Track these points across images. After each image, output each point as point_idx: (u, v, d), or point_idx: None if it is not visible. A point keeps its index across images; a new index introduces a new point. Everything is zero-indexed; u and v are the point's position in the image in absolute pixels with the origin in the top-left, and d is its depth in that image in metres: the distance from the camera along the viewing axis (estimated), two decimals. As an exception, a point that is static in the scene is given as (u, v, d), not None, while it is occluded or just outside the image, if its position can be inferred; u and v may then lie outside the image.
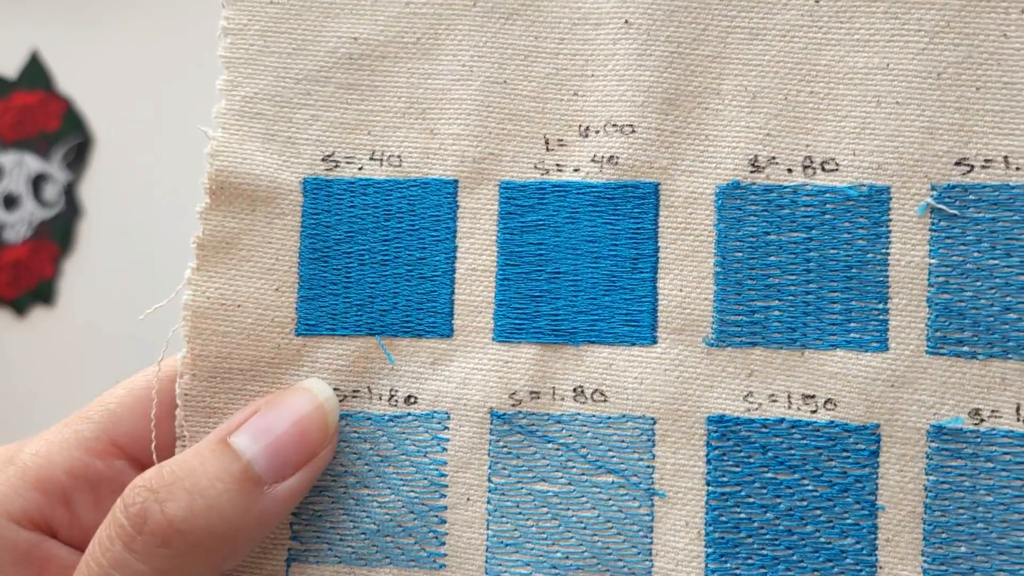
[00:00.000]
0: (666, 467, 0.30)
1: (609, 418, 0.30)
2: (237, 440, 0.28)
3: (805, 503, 0.29)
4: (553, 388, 0.30)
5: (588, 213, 0.30)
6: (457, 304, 0.31)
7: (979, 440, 0.29)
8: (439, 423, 0.30)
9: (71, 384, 1.38)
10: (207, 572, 0.27)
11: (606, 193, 0.30)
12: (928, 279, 0.29)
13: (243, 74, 0.31)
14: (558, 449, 0.30)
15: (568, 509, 0.30)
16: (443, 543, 0.30)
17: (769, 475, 0.30)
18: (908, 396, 0.29)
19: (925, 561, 0.29)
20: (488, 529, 0.30)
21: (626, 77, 0.30)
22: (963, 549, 0.29)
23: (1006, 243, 0.29)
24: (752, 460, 0.30)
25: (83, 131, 1.43)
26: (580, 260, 0.30)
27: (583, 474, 0.30)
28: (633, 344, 0.30)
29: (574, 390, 0.30)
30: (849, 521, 0.29)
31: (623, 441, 0.30)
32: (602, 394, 0.30)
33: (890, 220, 0.29)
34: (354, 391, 0.31)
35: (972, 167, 0.29)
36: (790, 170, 0.30)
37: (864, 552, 0.29)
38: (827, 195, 0.29)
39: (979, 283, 0.29)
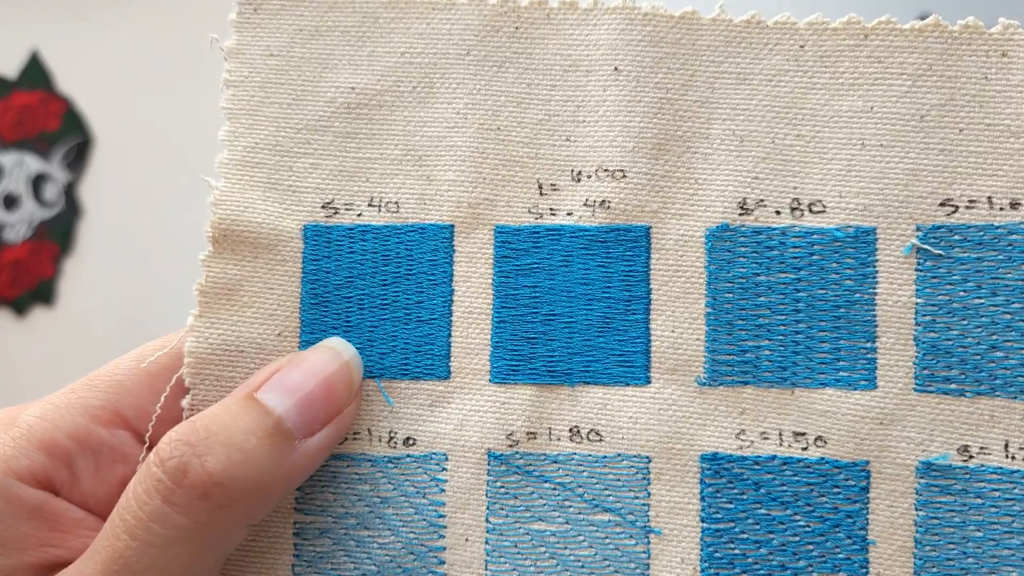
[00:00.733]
0: (661, 505, 0.30)
1: (605, 457, 0.31)
2: (266, 396, 0.29)
3: (797, 538, 0.30)
4: (549, 428, 0.31)
5: (581, 256, 0.31)
6: (454, 347, 0.31)
7: (968, 476, 0.29)
8: (437, 464, 0.31)
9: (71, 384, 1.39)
10: (241, 523, 0.28)
11: (599, 236, 0.31)
12: (915, 318, 0.30)
13: (244, 124, 0.32)
14: (555, 489, 0.31)
15: (565, 548, 0.31)
16: (443, 582, 0.31)
17: (762, 511, 0.30)
18: (897, 433, 0.29)
19: (917, 596, 0.29)
20: (486, 569, 0.31)
21: (616, 123, 0.31)
22: (954, 584, 0.29)
23: (991, 282, 0.29)
24: (745, 497, 0.30)
25: (83, 131, 1.44)
26: (574, 302, 0.31)
27: (580, 513, 0.31)
28: (627, 384, 0.31)
29: (570, 430, 0.31)
30: (841, 556, 0.30)
31: (619, 480, 0.31)
32: (598, 434, 0.31)
33: (877, 260, 0.30)
34: (354, 434, 0.31)
35: (956, 207, 0.30)
36: (778, 212, 0.30)
37: (856, 587, 0.29)
38: (815, 236, 0.30)
39: (965, 322, 0.29)
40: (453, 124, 0.32)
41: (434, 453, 0.31)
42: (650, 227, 0.31)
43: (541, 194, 0.31)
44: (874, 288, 0.30)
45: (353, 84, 0.32)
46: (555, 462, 0.31)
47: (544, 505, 0.31)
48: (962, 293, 0.29)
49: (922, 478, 0.29)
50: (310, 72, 0.32)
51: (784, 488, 0.30)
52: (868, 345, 0.30)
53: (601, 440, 0.31)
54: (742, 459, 0.30)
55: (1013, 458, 0.29)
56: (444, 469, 0.31)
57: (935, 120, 0.30)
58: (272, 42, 0.32)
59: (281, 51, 0.32)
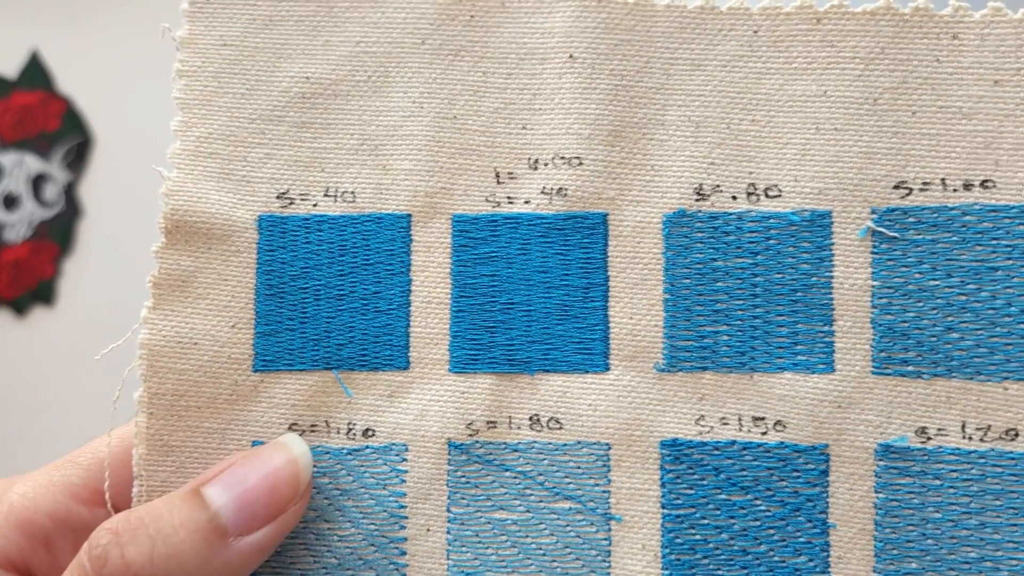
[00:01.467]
0: (622, 492, 0.30)
1: (565, 445, 0.31)
2: (209, 490, 0.28)
3: (758, 523, 0.30)
4: (509, 417, 0.31)
5: (539, 244, 0.31)
6: (413, 337, 0.31)
7: (926, 458, 0.29)
8: (397, 455, 0.31)
9: (71, 384, 1.38)
10: None
11: (556, 224, 0.31)
12: (871, 301, 0.30)
13: (197, 115, 0.31)
14: (515, 477, 0.31)
15: (527, 536, 0.30)
16: (404, 575, 0.30)
17: (722, 497, 0.30)
18: (855, 416, 0.30)
19: (877, 578, 0.29)
20: (448, 559, 0.30)
21: (572, 110, 0.31)
22: (913, 565, 0.29)
23: (946, 263, 0.29)
24: (705, 482, 0.30)
25: (83, 131, 1.43)
26: (533, 290, 0.31)
27: (541, 501, 0.30)
28: (586, 372, 0.31)
29: (530, 418, 0.31)
30: (802, 540, 0.30)
31: (579, 467, 0.30)
32: (557, 422, 0.31)
33: (833, 244, 0.30)
34: (312, 426, 0.31)
35: (911, 190, 0.30)
36: (734, 197, 0.30)
37: (817, 570, 0.29)
38: (771, 221, 0.30)
39: (921, 304, 0.29)
40: (409, 113, 0.31)
41: (394, 444, 0.31)
42: (607, 214, 0.31)
43: (498, 183, 0.31)
44: (830, 271, 0.30)
45: (308, 74, 0.32)
46: (515, 451, 0.31)
47: (505, 494, 0.31)
48: (917, 275, 0.30)
49: (881, 460, 0.29)
50: (264, 62, 0.32)
51: (744, 473, 0.30)
52: (825, 329, 0.30)
53: (561, 428, 0.31)
54: (702, 445, 0.30)
55: (970, 439, 0.29)
56: (404, 460, 0.31)
57: (888, 103, 0.30)
58: (225, 32, 0.32)
59: (234, 41, 0.32)
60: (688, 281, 0.30)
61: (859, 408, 0.30)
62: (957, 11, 0.30)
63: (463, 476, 0.31)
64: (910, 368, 0.29)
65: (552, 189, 0.31)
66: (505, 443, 0.31)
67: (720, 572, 0.30)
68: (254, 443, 0.31)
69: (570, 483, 0.30)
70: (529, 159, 0.31)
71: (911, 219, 0.30)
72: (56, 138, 1.43)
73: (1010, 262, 0.29)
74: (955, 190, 0.29)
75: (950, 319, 0.29)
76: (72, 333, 1.42)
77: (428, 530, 0.31)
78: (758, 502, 0.30)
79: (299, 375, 0.31)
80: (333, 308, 0.31)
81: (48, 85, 1.44)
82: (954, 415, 0.29)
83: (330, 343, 0.31)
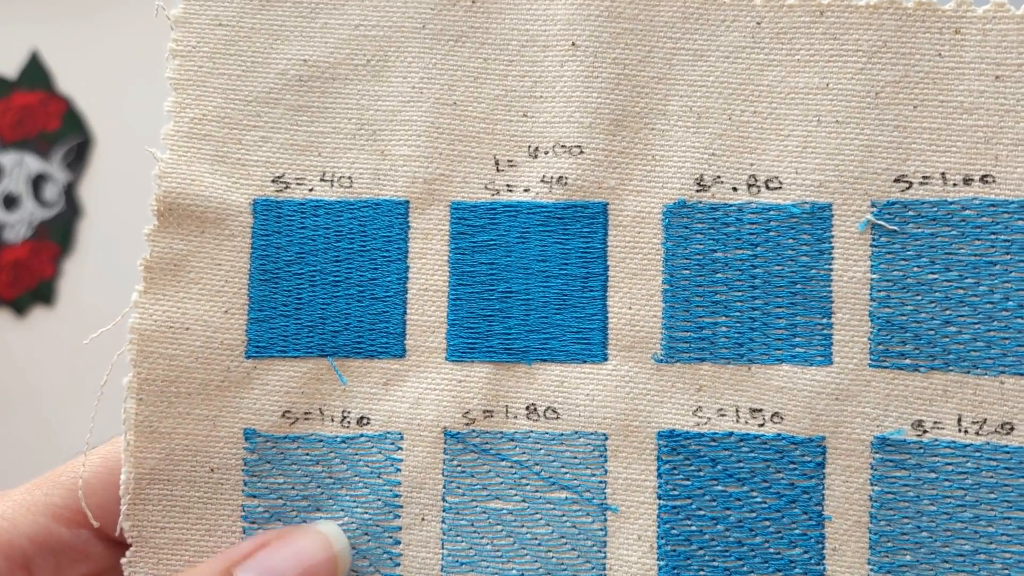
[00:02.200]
0: (618, 482, 0.30)
1: (562, 435, 0.30)
2: (243, 575, 0.27)
3: (754, 515, 0.30)
4: (506, 406, 0.30)
5: (538, 233, 0.31)
6: (409, 324, 0.31)
7: (922, 451, 0.29)
8: (392, 443, 0.30)
9: (71, 384, 1.36)
10: None
11: (556, 213, 0.31)
12: (870, 294, 0.30)
13: (191, 95, 0.31)
14: (512, 467, 0.30)
15: (522, 526, 0.30)
16: (398, 564, 0.30)
17: (719, 488, 0.30)
18: (852, 409, 0.30)
19: (871, 570, 0.29)
20: (443, 548, 0.30)
21: (574, 98, 0.30)
22: (908, 558, 0.29)
23: (945, 257, 0.30)
24: (702, 473, 0.30)
25: (83, 131, 1.41)
26: (531, 279, 0.31)
27: (537, 491, 0.30)
28: (584, 361, 0.30)
29: (527, 408, 0.30)
30: (797, 531, 0.30)
31: (576, 457, 0.30)
32: (554, 411, 0.30)
33: (832, 236, 0.30)
34: (305, 413, 0.30)
35: (911, 184, 0.30)
36: (735, 188, 0.30)
37: (812, 562, 0.29)
38: (771, 213, 0.30)
39: (919, 297, 0.30)
40: (408, 98, 0.31)
41: (389, 432, 0.30)
42: (607, 204, 0.31)
43: (498, 170, 0.31)
44: (830, 264, 0.30)
45: (305, 56, 0.31)
46: (512, 440, 0.30)
47: (501, 483, 0.30)
48: (916, 269, 0.30)
49: (877, 453, 0.30)
50: (260, 43, 0.31)
51: (741, 464, 0.30)
52: (824, 321, 0.30)
53: (558, 418, 0.30)
54: (699, 436, 0.30)
55: (966, 432, 0.29)
56: (399, 448, 0.30)
57: (890, 97, 0.30)
58: (221, 11, 0.31)
59: (230, 21, 0.31)
60: (687, 272, 0.30)
61: (856, 401, 0.30)
62: (960, 6, 0.30)
63: (459, 465, 0.30)
64: (907, 361, 0.30)
65: (552, 177, 0.31)
66: (502, 432, 0.30)
67: (715, 563, 0.30)
68: (246, 432, 0.30)
69: (567, 473, 0.30)
70: (529, 147, 0.31)
71: (911, 213, 0.30)
72: (56, 138, 1.42)
73: (1008, 257, 0.29)
74: (955, 184, 0.30)
75: (948, 313, 0.29)
76: (72, 333, 1.41)
77: (423, 519, 0.30)
78: (754, 493, 0.30)
79: (293, 362, 0.30)
80: (328, 294, 0.31)
81: (48, 85, 1.42)
82: (950, 408, 0.29)
83: (325, 330, 0.31)
